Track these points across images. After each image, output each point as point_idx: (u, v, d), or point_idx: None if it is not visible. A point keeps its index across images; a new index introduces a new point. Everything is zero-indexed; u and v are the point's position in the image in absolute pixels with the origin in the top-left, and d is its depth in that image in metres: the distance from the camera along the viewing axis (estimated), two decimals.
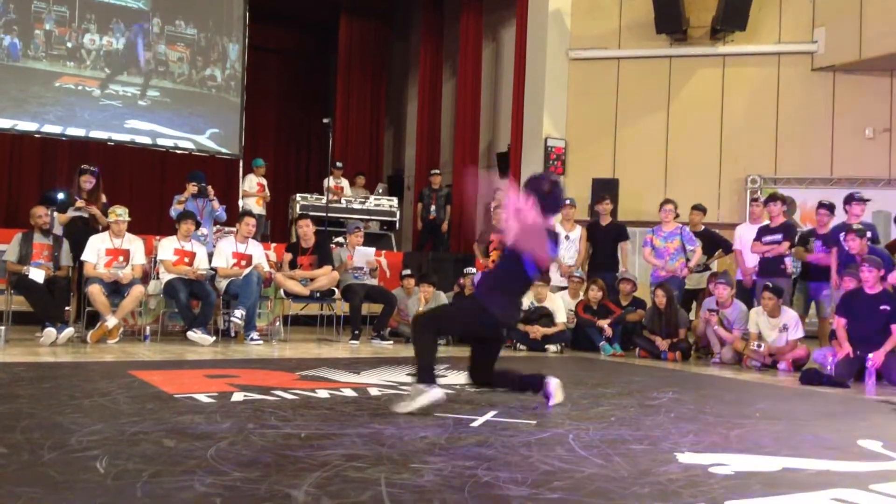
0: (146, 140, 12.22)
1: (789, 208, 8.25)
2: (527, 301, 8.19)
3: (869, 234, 7.08)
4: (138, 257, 7.46)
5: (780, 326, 7.05)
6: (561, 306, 8.19)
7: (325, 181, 11.75)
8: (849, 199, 7.49)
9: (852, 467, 3.10)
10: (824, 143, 11.26)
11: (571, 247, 8.98)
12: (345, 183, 12.37)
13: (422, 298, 8.28)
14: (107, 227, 7.53)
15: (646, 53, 11.92)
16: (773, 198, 8.04)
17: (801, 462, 3.15)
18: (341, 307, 8.49)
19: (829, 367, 6.27)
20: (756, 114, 11.48)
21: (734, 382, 6.19)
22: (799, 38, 11.39)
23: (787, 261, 7.71)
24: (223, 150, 12.74)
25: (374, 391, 4.65)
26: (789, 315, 7.10)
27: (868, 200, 7.80)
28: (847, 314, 6.50)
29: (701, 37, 11.57)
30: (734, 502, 2.48)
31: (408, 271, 8.83)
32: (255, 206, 11.31)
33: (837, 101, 11.26)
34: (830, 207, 7.80)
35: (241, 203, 11.56)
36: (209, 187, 8.55)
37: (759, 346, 7.10)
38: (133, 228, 7.63)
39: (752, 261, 8.05)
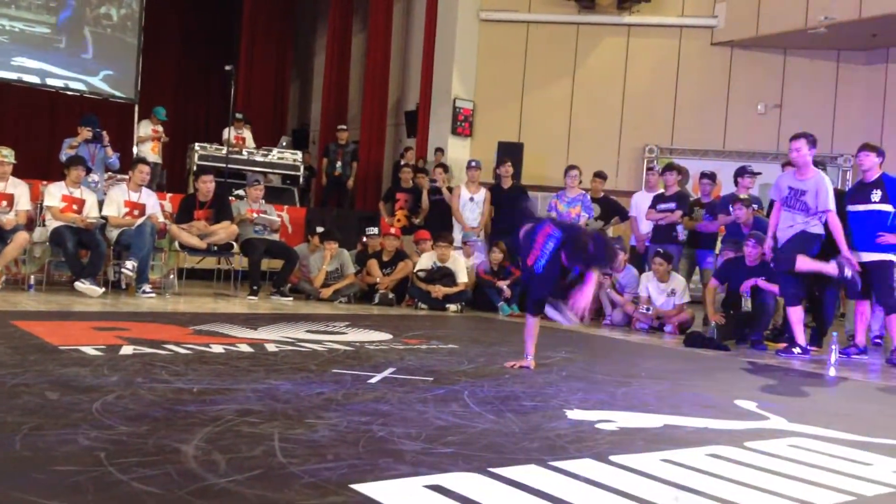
0: (34, 79, 11.51)
1: (684, 178, 8.54)
2: (429, 261, 8.25)
3: (755, 206, 7.43)
4: (23, 202, 7.08)
5: (668, 291, 7.35)
6: (463, 267, 8.27)
7: (225, 132, 11.39)
8: (740, 172, 7.83)
9: (729, 425, 3.28)
10: (719, 117, 11.71)
11: (476, 208, 9.06)
12: (247, 134, 12.03)
13: (326, 256, 8.20)
14: None
15: (554, 19, 12.02)
16: (668, 167, 8.33)
17: (681, 420, 3.31)
18: (240, 262, 8.32)
19: (712, 327, 6.62)
20: (657, 85, 11.80)
21: (623, 343, 6.43)
22: (701, 13, 11.73)
23: (679, 228, 8.02)
24: (117, 94, 12.16)
25: (271, 347, 4.59)
26: (677, 280, 7.41)
27: (759, 174, 8.17)
28: (724, 280, 6.87)
29: (608, 6, 11.75)
30: (618, 457, 2.59)
31: (320, 229, 8.66)
32: (151, 153, 10.88)
33: (733, 76, 11.70)
34: (712, 177, 8.25)
35: (135, 150, 11.09)
36: (103, 132, 8.16)
37: (647, 309, 7.39)
38: (18, 172, 7.22)
39: (646, 227, 8.34)
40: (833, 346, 5.48)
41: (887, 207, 5.96)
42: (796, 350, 6.06)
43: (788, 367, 5.53)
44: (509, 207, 9.07)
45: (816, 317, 6.80)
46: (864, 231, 6.05)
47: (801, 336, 6.12)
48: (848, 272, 5.77)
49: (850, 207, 6.16)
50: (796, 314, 6.13)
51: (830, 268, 5.82)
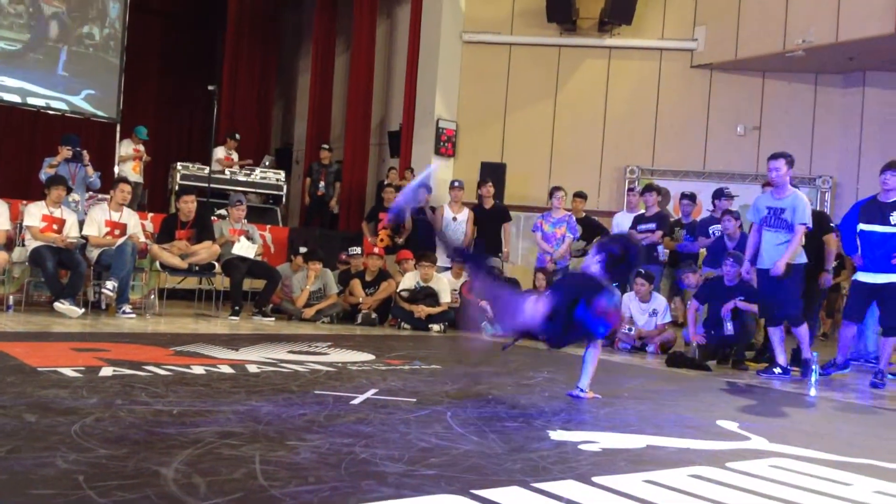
0: (15, 98, 11.44)
1: (664, 199, 8.64)
2: (412, 281, 8.24)
3: (739, 223, 7.49)
4: (2, 222, 7.01)
5: (650, 311, 7.38)
6: (446, 287, 8.28)
7: (216, 150, 11.37)
8: (718, 194, 7.92)
9: (710, 446, 3.29)
10: (699, 138, 11.83)
11: (459, 228, 9.08)
12: (235, 156, 12.02)
13: (309, 276, 8.17)
14: None
15: (536, 41, 12.14)
16: (649, 188, 8.41)
17: (663, 440, 3.32)
18: (221, 282, 8.27)
19: (693, 347, 6.65)
20: (637, 106, 11.92)
21: (605, 363, 6.43)
22: (681, 35, 11.89)
23: (660, 249, 8.08)
24: (99, 113, 12.09)
25: (252, 368, 4.56)
26: (659, 301, 7.45)
27: (735, 196, 8.25)
28: (704, 301, 6.91)
29: (589, 28, 11.89)
30: (600, 478, 2.59)
31: (304, 249, 8.64)
32: (132, 172, 10.82)
33: (713, 98, 11.84)
34: (692, 198, 8.33)
35: (116, 169, 11.03)
36: (84, 152, 8.12)
37: (629, 329, 7.41)
38: None
39: None
40: (813, 367, 5.52)
41: None
42: (777, 370, 6.09)
43: (769, 387, 5.56)
44: (491, 227, 9.12)
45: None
46: (878, 252, 5.89)
47: (781, 356, 6.16)
48: None
49: (864, 227, 6.00)
50: (777, 335, 6.17)
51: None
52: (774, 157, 6.09)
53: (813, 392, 5.28)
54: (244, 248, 8.07)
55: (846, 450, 3.32)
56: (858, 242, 6.08)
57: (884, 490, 2.71)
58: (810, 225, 6.01)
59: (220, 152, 11.71)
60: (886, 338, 6.00)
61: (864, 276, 6.02)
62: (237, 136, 12.05)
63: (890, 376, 6.01)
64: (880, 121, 11.33)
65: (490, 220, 9.14)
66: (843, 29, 10.13)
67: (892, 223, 5.84)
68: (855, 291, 6.17)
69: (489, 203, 9.26)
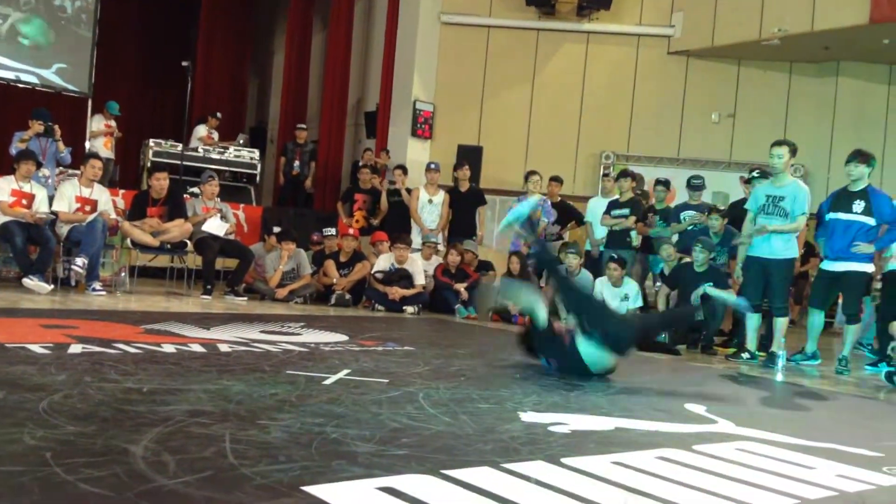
0: None
1: (638, 185, 8.68)
2: (387, 262, 8.24)
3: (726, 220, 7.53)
4: None
5: (622, 296, 7.44)
6: (420, 269, 8.28)
7: (197, 129, 11.22)
8: (690, 186, 7.99)
9: (678, 429, 3.34)
10: (674, 125, 11.90)
11: (434, 210, 9.08)
12: (216, 135, 11.88)
13: (283, 256, 8.13)
14: None
15: (515, 24, 12.10)
16: (623, 174, 8.45)
17: (632, 423, 3.36)
18: (193, 260, 8.21)
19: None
20: (614, 92, 11.95)
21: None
22: (658, 22, 11.91)
23: (633, 234, 8.13)
24: (70, 87, 11.90)
25: (224, 347, 4.53)
26: (631, 285, 7.51)
27: (703, 189, 8.27)
28: (674, 286, 6.98)
29: (568, 12, 11.87)
30: (569, 459, 2.62)
31: (277, 229, 8.59)
32: (103, 148, 10.67)
33: (689, 85, 11.90)
34: (666, 184, 8.38)
35: (87, 145, 10.87)
36: (55, 127, 7.99)
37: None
38: None
39: (600, 232, 8.44)
40: (781, 352, 5.61)
41: (869, 220, 5.91)
42: (745, 355, 6.18)
43: (737, 372, 5.65)
44: (466, 210, 9.13)
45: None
46: (840, 240, 5.99)
47: (751, 342, 6.25)
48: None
49: (831, 215, 6.09)
50: (753, 321, 6.25)
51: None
52: (777, 143, 6.12)
53: (779, 377, 5.37)
54: (215, 227, 8.01)
55: (810, 434, 3.38)
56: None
57: (846, 474, 2.77)
58: (808, 213, 6.06)
59: (201, 130, 11.57)
60: (849, 325, 6.12)
61: (827, 265, 6.12)
62: (219, 115, 11.90)
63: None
64: (853, 111, 11.46)
65: (465, 203, 9.14)
66: (818, 18, 10.21)
67: (854, 211, 5.92)
68: (819, 279, 6.27)
69: (465, 186, 9.25)
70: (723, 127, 11.84)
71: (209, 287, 7.75)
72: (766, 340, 6.42)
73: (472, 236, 9.03)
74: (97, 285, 7.18)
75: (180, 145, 10.95)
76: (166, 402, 2.95)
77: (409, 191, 9.38)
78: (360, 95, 13.72)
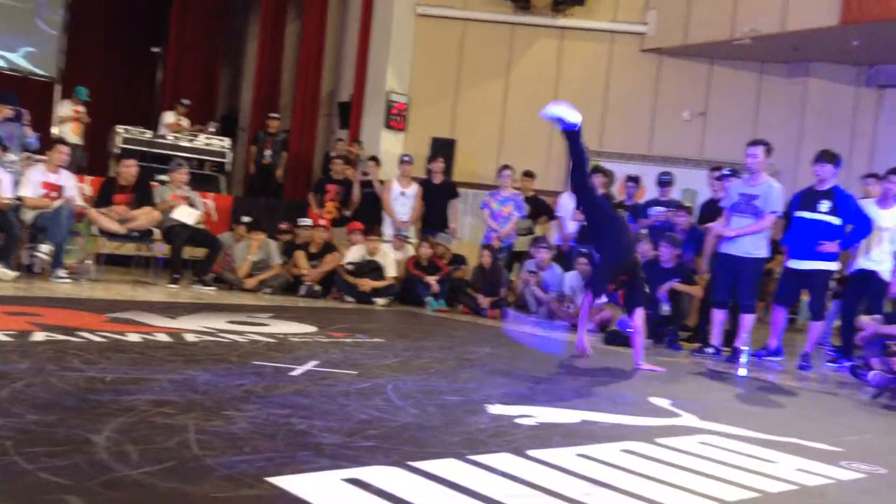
0: None
1: (609, 181, 8.72)
2: (358, 254, 8.21)
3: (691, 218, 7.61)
4: None
5: None
6: (392, 261, 8.26)
7: (164, 115, 11.06)
8: (660, 182, 8.06)
9: (642, 422, 3.37)
10: (646, 122, 11.97)
11: (407, 203, 9.07)
12: (185, 122, 11.72)
13: (252, 246, 8.07)
14: None
15: (490, 17, 12.09)
16: (595, 170, 8.47)
17: (598, 416, 3.39)
18: (161, 249, 8.12)
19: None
20: (587, 88, 11.98)
21: (546, 340, 6.53)
22: (632, 19, 11.96)
23: None
24: (38, 72, 11.69)
25: (190, 337, 4.50)
26: None
27: (672, 185, 8.33)
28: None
29: (543, 7, 11.88)
30: (535, 451, 2.64)
31: (247, 218, 8.50)
32: (71, 134, 10.49)
33: (661, 83, 11.97)
34: (636, 180, 8.43)
35: (54, 130, 10.68)
36: (24, 111, 7.85)
37: (569, 307, 7.53)
38: None
39: (571, 228, 8.49)
40: (744, 348, 5.69)
41: (835, 220, 5.97)
42: (710, 350, 6.26)
43: (702, 366, 5.72)
44: (439, 203, 9.13)
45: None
46: (806, 238, 6.05)
47: (717, 338, 6.33)
48: None
49: (797, 213, 6.16)
50: (719, 316, 6.33)
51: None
52: (754, 143, 6.19)
53: (743, 372, 5.44)
54: (185, 214, 7.93)
55: (772, 429, 3.44)
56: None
57: (806, 468, 2.82)
58: (780, 213, 6.13)
59: (169, 117, 11.41)
60: (814, 322, 6.22)
61: (793, 263, 6.21)
62: (185, 101, 11.74)
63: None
64: (822, 111, 11.62)
65: (438, 196, 9.14)
66: (789, 19, 10.31)
67: (821, 211, 6.01)
68: (785, 277, 6.37)
69: (438, 178, 9.25)
70: (694, 125, 11.94)
71: (176, 276, 7.67)
72: (730, 336, 6.51)
73: (445, 229, 9.03)
74: (62, 273, 7.07)
75: (150, 132, 10.80)
76: (130, 392, 2.93)
77: (381, 182, 9.35)
78: (334, 85, 13.62)
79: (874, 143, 11.53)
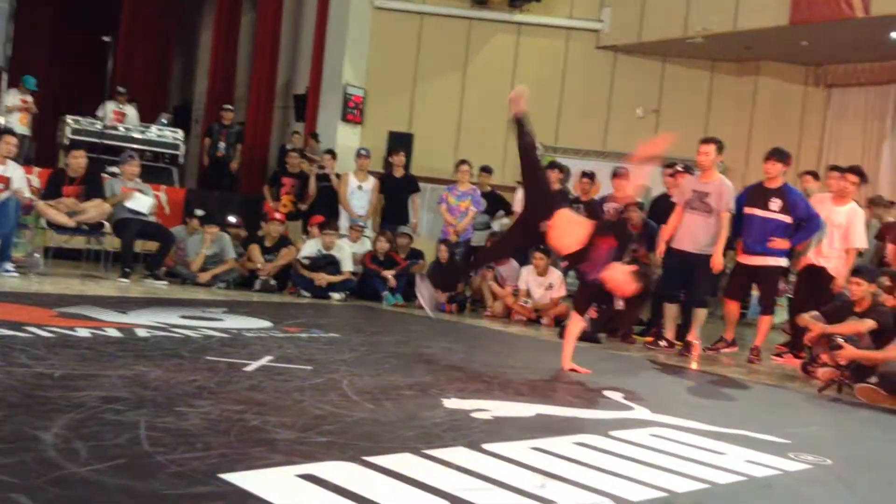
0: None
1: (565, 176, 8.79)
2: (314, 248, 8.15)
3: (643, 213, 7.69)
4: None
5: (546, 285, 7.56)
6: (348, 255, 8.22)
7: (103, 105, 10.81)
8: (614, 174, 8.16)
9: (596, 415, 3.42)
10: (601, 118, 12.09)
11: (364, 197, 9.04)
12: (130, 110, 11.47)
13: (206, 239, 7.95)
14: None
15: (447, 12, 12.08)
16: (551, 166, 8.53)
17: (552, 409, 3.43)
18: (111, 242, 7.96)
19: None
20: (543, 84, 12.04)
21: (502, 335, 6.58)
22: (587, 16, 12.06)
23: None
24: None
25: (141, 332, 4.42)
26: (555, 275, 7.64)
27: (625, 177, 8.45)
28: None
29: (500, 2, 11.91)
30: (490, 445, 2.66)
31: (200, 212, 8.38)
32: (19, 124, 10.21)
33: (616, 80, 12.10)
34: (591, 176, 8.52)
35: (1, 120, 10.39)
36: None
37: (526, 302, 7.59)
38: None
39: None
40: (696, 341, 5.79)
41: (786, 218, 6.08)
42: (662, 344, 6.37)
43: (654, 360, 5.81)
44: (399, 197, 9.11)
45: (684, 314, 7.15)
46: (756, 235, 6.15)
47: (670, 331, 6.43)
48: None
49: (747, 210, 6.25)
50: (671, 311, 6.43)
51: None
52: (706, 141, 6.29)
53: (694, 366, 5.55)
54: (140, 204, 7.81)
55: (722, 421, 3.51)
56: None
57: (754, 459, 2.89)
58: (733, 210, 6.23)
59: (109, 106, 11.14)
60: (763, 316, 6.35)
61: (743, 258, 6.34)
62: (121, 89, 11.40)
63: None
64: (771, 110, 11.87)
65: (399, 190, 9.12)
66: (741, 18, 10.50)
67: (772, 209, 6.13)
68: (735, 272, 6.50)
69: (399, 172, 9.23)
70: (647, 122, 12.09)
71: (127, 270, 7.53)
72: (683, 330, 6.62)
73: (406, 223, 9.02)
74: (9, 266, 6.89)
75: (100, 123, 10.57)
76: (79, 388, 2.87)
77: (338, 176, 9.29)
78: (289, 77, 13.48)
79: (822, 140, 11.83)
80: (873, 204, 7.94)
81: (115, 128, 10.79)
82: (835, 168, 6.96)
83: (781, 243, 6.09)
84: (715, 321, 7.29)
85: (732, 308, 6.44)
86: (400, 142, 10.93)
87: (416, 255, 8.72)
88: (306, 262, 8.06)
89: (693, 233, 6.24)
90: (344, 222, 8.88)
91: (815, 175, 7.58)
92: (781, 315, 8.07)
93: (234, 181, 11.96)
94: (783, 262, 6.30)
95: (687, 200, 6.32)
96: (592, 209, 8.06)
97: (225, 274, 7.97)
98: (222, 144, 11.49)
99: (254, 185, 11.99)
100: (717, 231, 6.15)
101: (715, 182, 6.26)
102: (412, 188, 9.18)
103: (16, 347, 3.55)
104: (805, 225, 6.14)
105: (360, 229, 8.74)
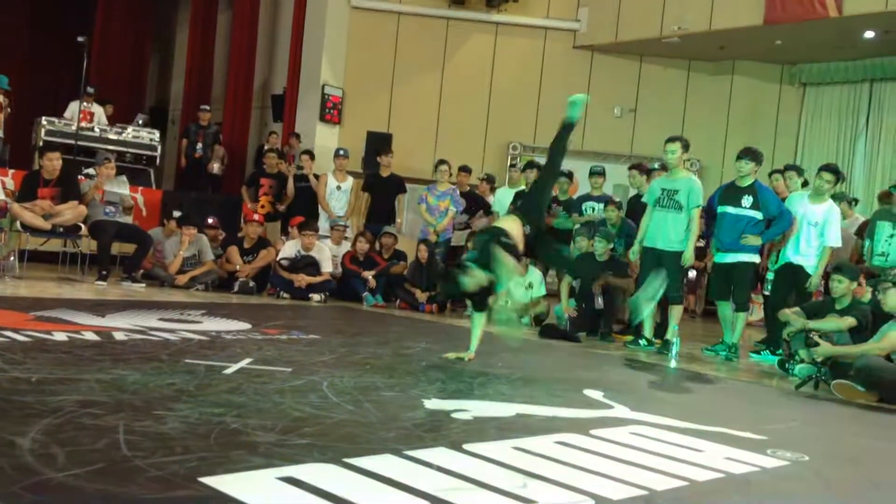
0: None
1: None
2: (293, 249, 8.12)
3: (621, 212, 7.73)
4: None
5: (526, 284, 7.58)
6: (328, 256, 8.19)
7: (72, 105, 10.69)
8: (591, 172, 8.21)
9: (577, 414, 3.43)
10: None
11: (342, 197, 9.02)
12: (98, 110, 11.34)
13: (184, 241, 7.89)
14: None
15: (425, 12, 12.09)
16: (529, 165, 8.56)
17: (533, 409, 3.44)
18: (87, 245, 7.88)
19: (566, 320, 6.91)
20: (521, 83, 12.10)
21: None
22: (564, 15, 12.13)
23: None
24: None
25: (119, 335, 4.38)
26: (535, 274, 7.66)
27: (603, 175, 8.47)
28: (576, 276, 7.15)
29: (477, 2, 11.94)
30: (471, 445, 2.66)
31: (177, 213, 8.32)
32: None
33: (593, 79, 12.17)
34: (569, 175, 8.56)
35: None
36: None
37: (506, 301, 7.59)
38: None
39: None
40: (675, 339, 5.83)
41: (757, 214, 6.18)
42: (642, 342, 6.41)
43: (634, 359, 5.84)
44: (386, 197, 9.09)
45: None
46: (729, 232, 6.25)
47: (648, 330, 6.47)
48: None
49: (721, 208, 6.35)
50: (648, 309, 6.46)
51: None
52: (671, 140, 6.36)
53: (673, 364, 5.59)
54: (120, 185, 7.79)
55: (700, 418, 3.54)
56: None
57: (733, 456, 2.92)
58: (702, 206, 6.30)
59: (73, 107, 10.99)
60: (738, 313, 6.41)
61: (718, 257, 6.42)
62: (90, 89, 11.25)
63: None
64: (746, 108, 11.99)
65: (386, 190, 9.10)
66: (716, 18, 10.61)
67: (744, 206, 6.22)
68: (714, 272, 6.58)
69: (387, 172, 9.21)
70: (624, 121, 12.18)
71: (104, 273, 7.46)
72: (661, 328, 6.66)
73: (391, 223, 9.01)
74: None
75: (75, 124, 10.45)
76: (56, 393, 2.84)
77: (316, 176, 9.26)
78: (267, 77, 13.42)
79: (797, 139, 11.97)
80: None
81: (90, 129, 10.67)
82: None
83: (754, 240, 6.19)
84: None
85: (725, 309, 6.48)
86: (378, 142, 10.91)
87: (398, 255, 8.69)
88: (285, 263, 8.02)
89: (664, 230, 6.31)
90: (323, 223, 8.85)
91: (799, 170, 7.61)
92: (758, 313, 8.16)
93: (216, 182, 11.87)
94: (756, 258, 6.39)
95: (656, 199, 6.39)
96: (570, 208, 8.12)
97: (203, 276, 7.92)
98: (200, 145, 11.41)
99: (232, 187, 11.92)
100: (688, 227, 6.23)
101: (683, 180, 6.34)
102: (399, 189, 9.16)
103: None
104: (776, 221, 6.24)
105: (343, 230, 8.71)
